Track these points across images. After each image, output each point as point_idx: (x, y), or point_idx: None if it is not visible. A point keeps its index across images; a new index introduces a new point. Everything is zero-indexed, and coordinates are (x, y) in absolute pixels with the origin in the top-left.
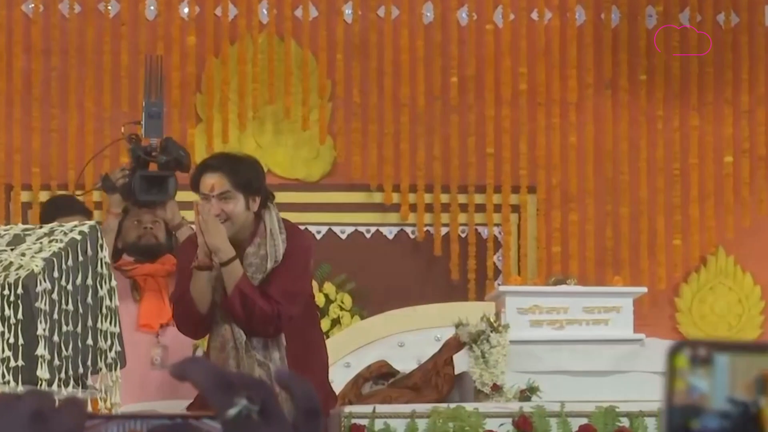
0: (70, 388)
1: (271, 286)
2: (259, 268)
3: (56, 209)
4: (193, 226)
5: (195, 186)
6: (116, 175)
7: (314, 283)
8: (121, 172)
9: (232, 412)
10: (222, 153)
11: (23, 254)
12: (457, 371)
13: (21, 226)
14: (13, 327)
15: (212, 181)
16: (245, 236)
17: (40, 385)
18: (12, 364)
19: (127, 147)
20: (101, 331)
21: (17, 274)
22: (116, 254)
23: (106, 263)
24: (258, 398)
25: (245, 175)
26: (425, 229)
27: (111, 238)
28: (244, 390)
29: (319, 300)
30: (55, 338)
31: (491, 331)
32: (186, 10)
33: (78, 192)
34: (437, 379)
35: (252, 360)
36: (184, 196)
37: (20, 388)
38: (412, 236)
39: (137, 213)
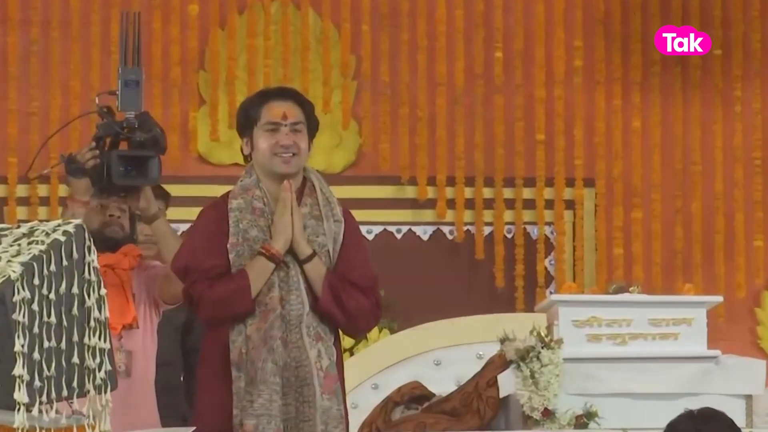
0: (53, 413)
1: (353, 272)
2: (316, 229)
3: None
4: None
5: (252, 118)
6: (84, 156)
7: None
8: (90, 152)
9: None
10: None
11: None
12: (502, 394)
13: None
14: None
15: (284, 108)
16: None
17: (18, 410)
18: None
19: (98, 122)
20: (89, 347)
21: None
22: None
23: (94, 268)
24: None
25: (312, 111)
26: (465, 228)
27: None
28: None
29: None
30: (36, 356)
31: (542, 347)
32: None
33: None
34: (479, 403)
35: (311, 331)
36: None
37: None
38: (449, 237)
39: (100, 197)
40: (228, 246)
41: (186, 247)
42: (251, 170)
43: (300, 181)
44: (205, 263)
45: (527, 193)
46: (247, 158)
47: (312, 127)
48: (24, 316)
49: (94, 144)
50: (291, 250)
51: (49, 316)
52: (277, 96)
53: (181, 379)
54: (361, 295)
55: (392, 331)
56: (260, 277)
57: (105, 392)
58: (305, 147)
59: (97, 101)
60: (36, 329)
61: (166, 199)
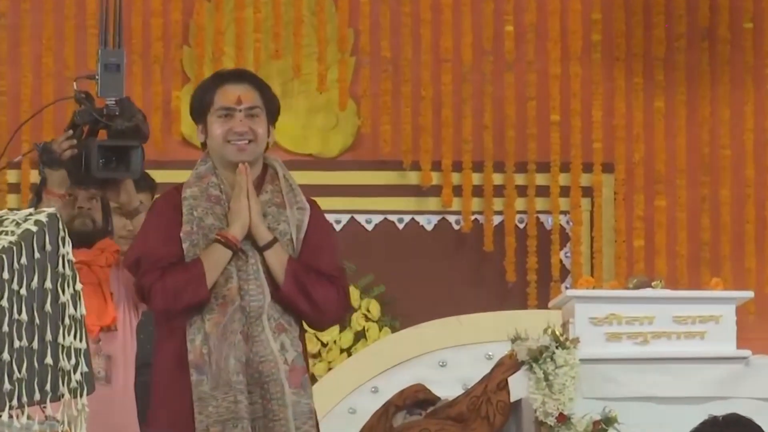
0: (24, 419)
1: (319, 260)
2: (277, 217)
3: None
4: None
5: (206, 103)
6: (61, 145)
7: None
8: (68, 142)
9: None
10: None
11: None
12: (513, 398)
13: None
14: None
15: (238, 92)
16: (252, 177)
17: None
18: None
19: (75, 108)
20: (63, 347)
21: None
22: None
23: (69, 261)
24: None
25: (272, 95)
26: (473, 217)
27: None
28: None
29: None
30: (5, 356)
31: (557, 347)
32: None
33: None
34: (488, 408)
35: (272, 323)
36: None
37: None
38: (456, 227)
39: (70, 187)
40: (181, 235)
41: (138, 240)
42: (206, 158)
43: (260, 168)
44: (156, 253)
45: (541, 179)
46: (204, 146)
47: (272, 111)
48: None
49: (71, 132)
50: (250, 237)
51: (19, 313)
52: (232, 79)
53: None
54: (327, 284)
55: (394, 330)
56: (216, 266)
57: (81, 396)
58: (263, 133)
59: (75, 86)
60: (5, 327)
61: (153, 189)
